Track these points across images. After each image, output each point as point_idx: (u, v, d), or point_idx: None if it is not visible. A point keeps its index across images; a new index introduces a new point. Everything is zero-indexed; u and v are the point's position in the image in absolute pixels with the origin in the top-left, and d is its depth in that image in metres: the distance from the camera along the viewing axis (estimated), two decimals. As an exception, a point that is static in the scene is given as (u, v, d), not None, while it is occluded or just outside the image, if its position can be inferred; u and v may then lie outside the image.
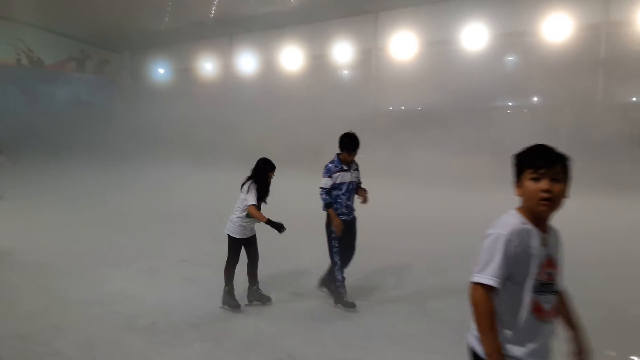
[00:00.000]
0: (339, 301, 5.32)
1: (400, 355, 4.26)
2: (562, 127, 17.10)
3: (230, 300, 5.21)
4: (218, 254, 6.59)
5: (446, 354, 4.11)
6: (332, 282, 5.38)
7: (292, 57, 23.29)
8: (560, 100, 17.70)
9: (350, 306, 5.29)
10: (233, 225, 5.17)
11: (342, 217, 5.30)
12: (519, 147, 2.22)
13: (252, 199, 5.02)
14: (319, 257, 6.25)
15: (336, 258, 5.29)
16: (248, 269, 5.30)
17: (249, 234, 5.26)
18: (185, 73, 26.43)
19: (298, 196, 10.02)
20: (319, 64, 22.59)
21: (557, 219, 2.15)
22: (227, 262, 5.30)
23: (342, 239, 5.33)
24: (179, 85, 26.32)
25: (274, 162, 5.19)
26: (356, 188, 5.52)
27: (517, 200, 2.17)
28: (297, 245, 7.19)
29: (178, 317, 4.97)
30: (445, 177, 14.46)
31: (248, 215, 5.09)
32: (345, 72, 23.58)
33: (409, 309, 5.41)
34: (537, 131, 15.96)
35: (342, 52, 22.11)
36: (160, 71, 27.61)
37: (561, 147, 2.19)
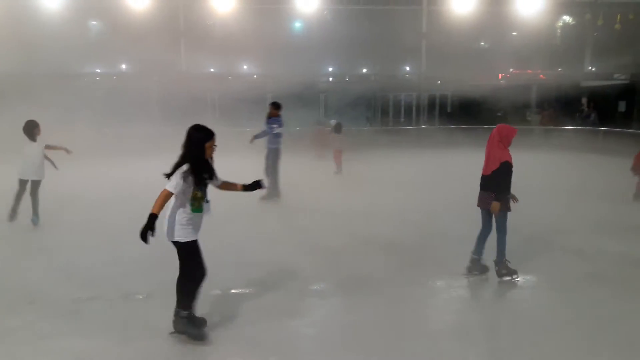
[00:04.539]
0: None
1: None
2: (153, 94, 17.92)
3: (191, 328, 3.71)
4: None
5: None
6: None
7: None
8: (148, 68, 18.43)
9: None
10: (181, 227, 3.66)
11: None
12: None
13: (169, 184, 3.57)
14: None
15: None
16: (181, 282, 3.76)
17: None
18: None
19: None
20: None
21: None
22: (185, 276, 3.76)
23: None
24: None
25: None
26: None
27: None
28: None
29: None
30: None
31: (194, 209, 3.69)
32: None
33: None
34: (129, 97, 16.21)
35: None
36: None
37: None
